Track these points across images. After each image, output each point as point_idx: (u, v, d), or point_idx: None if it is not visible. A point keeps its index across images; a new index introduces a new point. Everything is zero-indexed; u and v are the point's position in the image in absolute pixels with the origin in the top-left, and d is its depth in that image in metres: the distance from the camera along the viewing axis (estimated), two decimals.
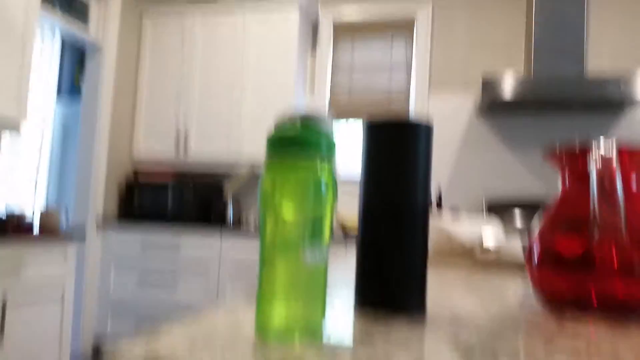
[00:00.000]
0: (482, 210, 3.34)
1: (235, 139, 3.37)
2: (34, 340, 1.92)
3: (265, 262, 0.45)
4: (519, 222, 3.18)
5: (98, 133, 3.28)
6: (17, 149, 4.05)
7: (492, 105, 3.17)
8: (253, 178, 3.64)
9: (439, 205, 3.22)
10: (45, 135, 4.31)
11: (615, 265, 0.58)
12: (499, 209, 3.25)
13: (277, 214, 0.44)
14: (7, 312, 1.78)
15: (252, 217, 3.60)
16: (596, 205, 0.57)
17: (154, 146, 3.53)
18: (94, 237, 3.22)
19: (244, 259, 3.03)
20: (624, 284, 0.58)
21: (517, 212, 3.22)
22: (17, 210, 2.13)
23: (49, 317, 2.00)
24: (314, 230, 0.45)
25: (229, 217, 3.40)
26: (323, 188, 0.45)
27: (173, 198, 3.34)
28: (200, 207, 3.35)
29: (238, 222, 3.48)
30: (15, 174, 4.05)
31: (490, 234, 1.29)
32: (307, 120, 0.47)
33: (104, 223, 3.26)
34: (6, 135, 2.12)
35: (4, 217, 1.89)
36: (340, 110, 3.56)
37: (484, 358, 0.41)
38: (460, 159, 3.46)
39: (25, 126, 2.23)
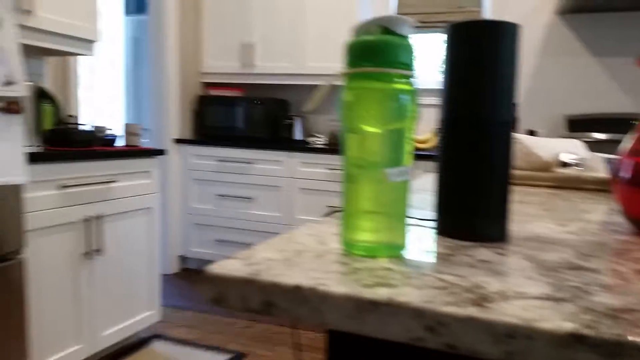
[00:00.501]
0: (562, 129, 3.15)
1: (299, 51, 3.32)
2: (128, 252, 2.13)
3: (348, 179, 0.46)
4: (603, 139, 2.98)
5: (166, 50, 3.33)
6: (93, 69, 4.23)
7: (575, 1, 2.86)
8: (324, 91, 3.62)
9: (515, 125, 3.06)
10: (118, 54, 4.44)
11: None
12: (581, 126, 3.05)
13: (359, 128, 0.44)
14: (103, 226, 1.96)
15: (319, 133, 3.62)
16: None
17: (221, 62, 3.55)
18: (172, 154, 3.39)
19: (313, 174, 3.10)
20: None
21: (601, 129, 3.01)
22: (99, 126, 2.27)
23: (139, 229, 2.18)
24: (396, 145, 0.45)
25: (296, 132, 3.44)
26: (404, 99, 0.44)
27: (242, 114, 3.41)
28: (268, 123, 3.41)
29: (306, 137, 3.52)
30: (94, 93, 4.27)
31: (571, 149, 1.23)
32: (386, 24, 0.45)
33: (180, 140, 3.41)
34: (81, 55, 2.20)
35: (91, 133, 2.02)
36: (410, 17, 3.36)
37: (569, 276, 0.41)
38: (538, 71, 3.23)
39: (98, 46, 2.30)
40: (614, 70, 3.09)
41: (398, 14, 3.44)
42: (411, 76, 0.45)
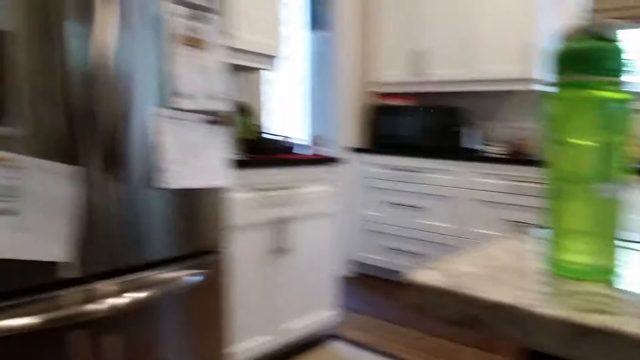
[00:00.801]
0: None
1: (472, 57, 3.21)
2: (311, 252, 2.29)
3: (554, 195, 0.44)
4: None
5: (343, 62, 3.51)
6: (278, 82, 4.64)
7: None
8: (500, 100, 3.45)
9: None
10: (301, 67, 4.82)
11: None
12: None
13: (566, 140, 0.42)
14: (290, 227, 2.14)
15: (495, 142, 3.45)
16: None
17: (393, 71, 3.62)
18: (349, 161, 3.56)
19: (488, 185, 2.96)
20: None
21: None
22: (288, 136, 2.49)
23: (321, 232, 2.34)
24: (607, 159, 0.42)
25: (470, 142, 3.33)
26: (617, 109, 0.41)
27: (413, 123, 3.42)
28: (439, 131, 3.36)
29: (478, 146, 3.38)
30: (280, 105, 4.69)
31: None
32: (596, 31, 0.42)
33: (356, 149, 3.56)
34: (267, 69, 2.44)
35: (285, 144, 2.24)
36: (610, 15, 3.02)
37: None
38: None
39: (282, 60, 2.53)
40: None
41: (593, 11, 3.11)
42: (625, 83, 0.42)
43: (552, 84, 0.43)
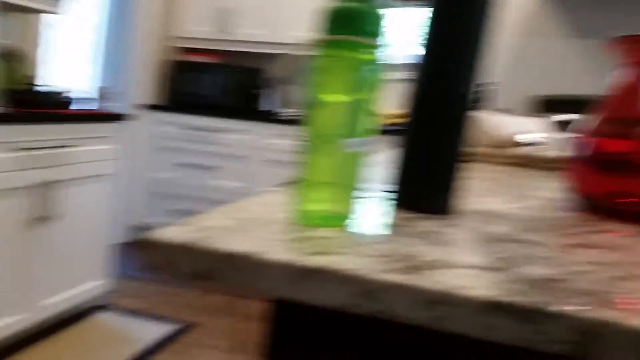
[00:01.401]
0: (534, 110, 3.19)
1: (275, 20, 3.26)
2: (82, 219, 2.07)
3: (308, 148, 0.46)
4: (570, 120, 3.04)
5: (140, 10, 3.23)
6: (64, 27, 4.06)
7: None
8: (296, 64, 3.57)
9: (486, 104, 3.09)
10: (93, 14, 4.27)
11: None
12: (553, 107, 3.10)
13: (320, 97, 0.44)
14: (57, 192, 1.90)
15: (292, 104, 3.59)
16: None
17: (197, 27, 3.46)
18: (137, 118, 3.32)
19: (281, 145, 3.09)
20: None
21: (576, 110, 3.06)
22: (67, 87, 2.20)
23: (94, 196, 2.12)
24: (356, 116, 0.45)
25: (269, 104, 3.41)
26: (368, 69, 0.44)
27: (214, 81, 3.35)
28: (240, 92, 3.36)
29: (278, 108, 3.49)
30: (63, 53, 4.11)
31: (532, 129, 1.26)
32: None
33: (148, 105, 3.33)
34: (49, 12, 2.12)
35: (49, 94, 1.96)
36: None
37: (507, 248, 0.42)
38: (518, 51, 3.25)
39: (68, 2, 2.21)
40: (592, 53, 3.14)
41: None
42: (378, 46, 0.45)
43: (313, 43, 0.45)
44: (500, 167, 1.08)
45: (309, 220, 0.45)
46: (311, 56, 0.44)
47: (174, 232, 0.39)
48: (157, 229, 0.40)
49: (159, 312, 2.34)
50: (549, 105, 3.12)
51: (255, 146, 3.14)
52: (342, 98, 0.44)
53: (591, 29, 3.13)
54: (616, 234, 0.52)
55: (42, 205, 1.83)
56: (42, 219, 1.85)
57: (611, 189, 0.61)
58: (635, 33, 0.59)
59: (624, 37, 0.60)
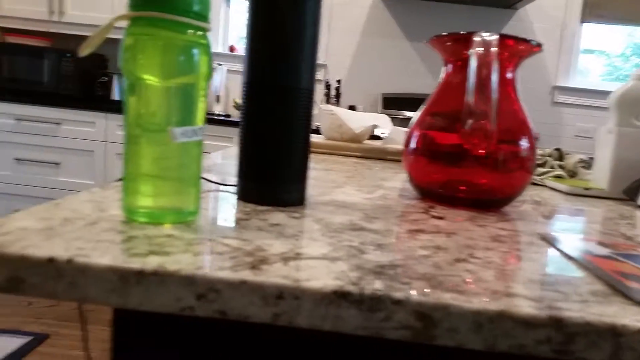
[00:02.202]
0: (378, 107, 3.41)
1: (119, 1, 3.01)
2: None
3: (130, 138, 0.41)
4: (410, 116, 3.32)
5: None
6: None
7: None
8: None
9: (338, 100, 3.22)
10: None
11: (482, 155, 0.62)
12: (394, 105, 3.35)
13: (141, 80, 0.40)
14: None
15: None
16: (471, 94, 0.59)
17: (23, 6, 3.05)
18: None
19: None
20: (488, 175, 0.63)
21: (412, 107, 3.34)
22: None
23: None
24: (185, 102, 0.41)
25: (115, 93, 3.15)
26: (195, 52, 0.41)
27: (50, 67, 2.99)
28: (81, 80, 3.05)
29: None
30: None
31: (378, 124, 1.33)
32: None
33: None
34: None
35: None
36: None
37: (350, 237, 0.43)
38: (361, 49, 3.44)
39: None
40: (423, 54, 3.44)
41: None
42: (205, 29, 0.41)
43: (128, 19, 0.40)
44: (350, 160, 1.12)
45: (143, 217, 0.41)
46: (125, 34, 0.39)
47: None
48: None
49: (8, 325, 2.06)
50: (389, 102, 3.37)
51: (102, 138, 2.89)
52: (164, 81, 0.40)
53: (418, 31, 3.44)
54: (450, 220, 0.56)
55: None
56: None
57: (443, 178, 0.66)
58: (451, 32, 0.64)
59: (441, 36, 0.65)
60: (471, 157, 0.64)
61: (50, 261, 0.31)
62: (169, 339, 0.38)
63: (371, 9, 3.39)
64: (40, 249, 0.32)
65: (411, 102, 3.34)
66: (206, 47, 0.42)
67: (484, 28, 3.41)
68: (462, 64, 0.66)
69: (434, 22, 3.40)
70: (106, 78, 3.13)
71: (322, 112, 1.25)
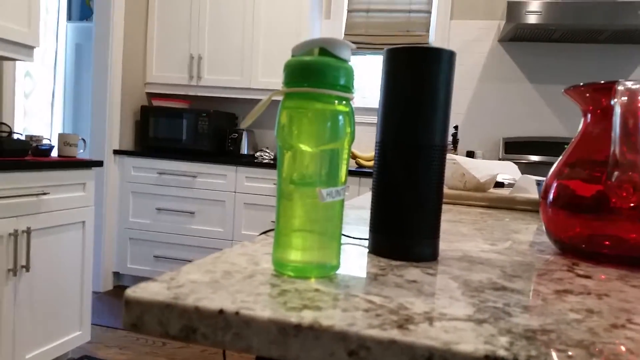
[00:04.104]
0: (499, 151, 3.29)
1: (248, 66, 3.31)
2: (58, 268, 2.02)
3: (282, 196, 0.45)
4: (537, 161, 3.14)
5: (111, 58, 3.23)
6: (31, 74, 4.03)
7: (516, 31, 3.03)
8: (270, 108, 3.61)
9: (455, 147, 3.17)
10: (58, 60, 4.26)
11: (630, 207, 0.58)
12: (516, 148, 3.21)
13: (294, 147, 0.44)
14: (32, 240, 1.85)
15: (267, 148, 3.61)
16: (617, 144, 0.56)
17: (167, 73, 3.48)
18: (111, 165, 3.27)
19: (259, 189, 3.08)
20: (637, 228, 0.58)
21: (536, 151, 3.17)
22: (35, 135, 2.16)
23: (71, 244, 2.08)
24: (331, 165, 0.45)
25: (243, 148, 3.41)
26: (341, 120, 0.44)
27: (188, 126, 3.34)
28: (214, 136, 3.36)
29: (253, 151, 3.50)
30: (31, 100, 4.06)
31: (505, 172, 1.28)
32: (325, 46, 0.45)
33: (120, 151, 3.29)
34: (19, 61, 2.10)
35: (25, 143, 1.92)
36: (358, 39, 3.45)
37: (493, 297, 0.42)
38: (479, 95, 3.37)
39: (37, 52, 2.20)
40: (548, 97, 3.28)
41: (347, 34, 3.52)
42: (348, 98, 0.45)
43: (283, 94, 0.45)
44: (475, 210, 1.09)
45: (292, 270, 0.44)
46: (280, 108, 0.45)
47: (152, 289, 0.38)
48: (137, 286, 0.38)
49: None
50: (511, 146, 3.22)
51: (231, 189, 3.12)
52: (314, 147, 0.44)
53: (542, 74, 3.28)
54: (597, 279, 0.53)
55: (17, 255, 1.77)
56: (18, 269, 1.78)
57: (585, 232, 0.62)
58: (595, 81, 0.62)
59: (583, 85, 0.63)
60: (617, 210, 0.59)
61: (221, 313, 0.35)
62: None
63: (490, 53, 3.33)
64: (212, 301, 0.36)
65: (535, 145, 3.17)
66: (350, 115, 0.45)
67: (614, 67, 3.17)
68: (602, 113, 0.62)
69: (558, 63, 3.24)
70: (236, 135, 3.41)
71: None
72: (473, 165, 1.23)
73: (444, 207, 1.12)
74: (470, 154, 3.28)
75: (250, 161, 3.11)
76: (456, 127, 3.26)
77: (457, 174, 1.23)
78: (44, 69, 4.18)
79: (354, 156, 3.39)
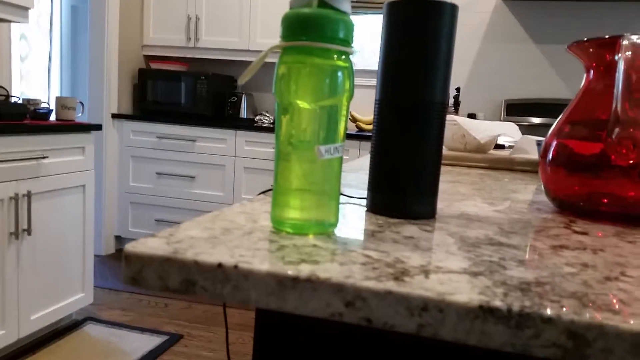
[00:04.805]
0: (501, 114, 3.26)
1: (246, 27, 3.25)
2: (60, 232, 2.03)
3: (279, 157, 0.45)
4: (539, 123, 3.12)
5: (107, 20, 3.17)
6: (27, 37, 3.96)
7: None
8: (268, 71, 3.56)
9: (457, 109, 3.14)
10: (54, 23, 4.18)
11: (629, 165, 0.58)
12: (519, 110, 3.18)
13: (292, 103, 0.43)
14: (33, 204, 1.86)
15: (266, 112, 3.58)
16: (619, 100, 0.55)
17: (164, 35, 3.42)
18: (110, 129, 3.25)
19: (259, 154, 3.07)
20: (637, 187, 0.58)
21: (538, 113, 3.14)
22: (32, 99, 2.14)
23: (72, 207, 2.09)
24: (329, 122, 0.44)
25: (243, 112, 3.39)
26: (340, 75, 0.44)
27: (186, 90, 3.31)
28: (213, 100, 3.33)
29: (252, 115, 3.47)
30: (27, 64, 4.01)
31: (505, 132, 1.28)
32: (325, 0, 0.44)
33: (119, 115, 3.27)
34: (14, 22, 2.06)
35: (22, 106, 1.90)
36: None
37: (489, 252, 0.42)
38: (481, 55, 3.32)
39: (32, 14, 2.15)
40: (552, 57, 3.23)
41: None
42: (348, 53, 0.44)
43: (280, 49, 0.44)
44: (475, 171, 1.09)
45: (290, 227, 0.45)
46: (278, 62, 0.44)
47: (151, 244, 0.38)
48: (136, 242, 0.38)
49: (147, 324, 2.32)
50: (513, 108, 3.19)
51: (231, 154, 3.12)
52: (312, 104, 0.43)
53: (546, 33, 3.22)
54: (594, 236, 0.53)
55: (18, 219, 1.78)
56: (19, 232, 1.80)
57: (584, 190, 0.62)
58: (596, 36, 0.60)
59: (587, 40, 0.61)
60: (617, 168, 0.59)
61: (220, 266, 0.35)
62: (312, 343, 0.41)
63: (494, 13, 3.26)
64: (210, 255, 0.36)
65: (538, 107, 3.14)
66: (349, 70, 0.44)
67: (622, 26, 3.10)
68: (605, 70, 0.61)
69: (563, 22, 3.17)
70: (235, 98, 3.38)
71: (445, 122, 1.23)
72: (473, 126, 1.23)
73: (444, 168, 1.12)
74: (471, 116, 3.26)
75: (249, 125, 3.10)
76: (458, 89, 3.22)
77: (457, 135, 1.22)
78: (39, 32, 4.11)
79: (353, 119, 3.36)
